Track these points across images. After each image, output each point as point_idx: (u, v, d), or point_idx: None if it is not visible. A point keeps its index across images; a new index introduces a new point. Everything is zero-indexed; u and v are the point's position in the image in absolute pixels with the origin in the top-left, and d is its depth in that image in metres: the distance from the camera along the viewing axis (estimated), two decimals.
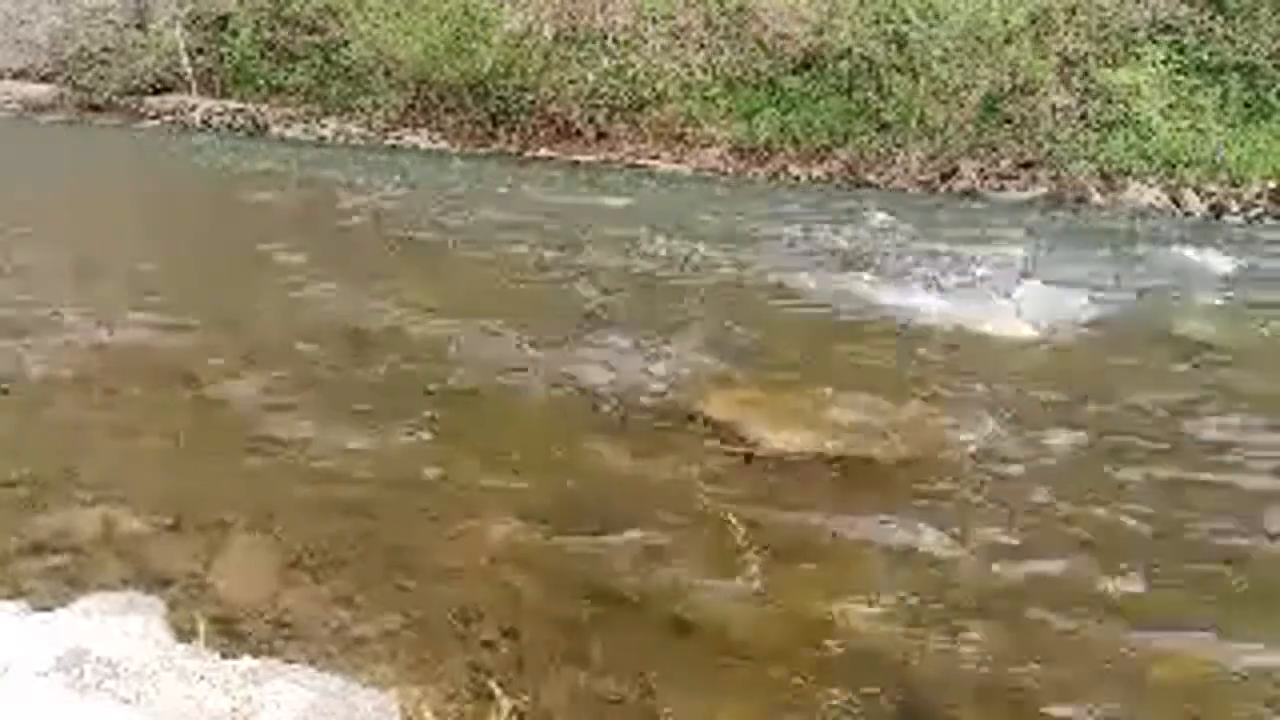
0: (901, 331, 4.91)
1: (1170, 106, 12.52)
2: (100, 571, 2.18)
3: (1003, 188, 12.70)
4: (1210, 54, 12.83)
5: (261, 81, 17.77)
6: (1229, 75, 12.65)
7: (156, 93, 18.09)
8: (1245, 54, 12.67)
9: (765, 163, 14.23)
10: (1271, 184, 11.72)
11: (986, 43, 13.31)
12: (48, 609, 1.92)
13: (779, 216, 9.16)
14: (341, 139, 16.25)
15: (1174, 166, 12.20)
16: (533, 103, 15.54)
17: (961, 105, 13.30)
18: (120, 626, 1.86)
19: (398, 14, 16.60)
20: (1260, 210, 11.41)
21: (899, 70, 13.67)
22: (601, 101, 15.21)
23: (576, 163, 14.43)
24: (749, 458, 3.09)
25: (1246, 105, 12.53)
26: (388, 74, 16.52)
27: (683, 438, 3.23)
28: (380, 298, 4.92)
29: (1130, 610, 2.29)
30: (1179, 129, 12.39)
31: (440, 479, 2.81)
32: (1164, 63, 12.77)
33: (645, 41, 15.26)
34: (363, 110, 16.70)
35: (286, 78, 17.62)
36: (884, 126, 13.75)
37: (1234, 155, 12.05)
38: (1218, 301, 6.08)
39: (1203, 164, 12.10)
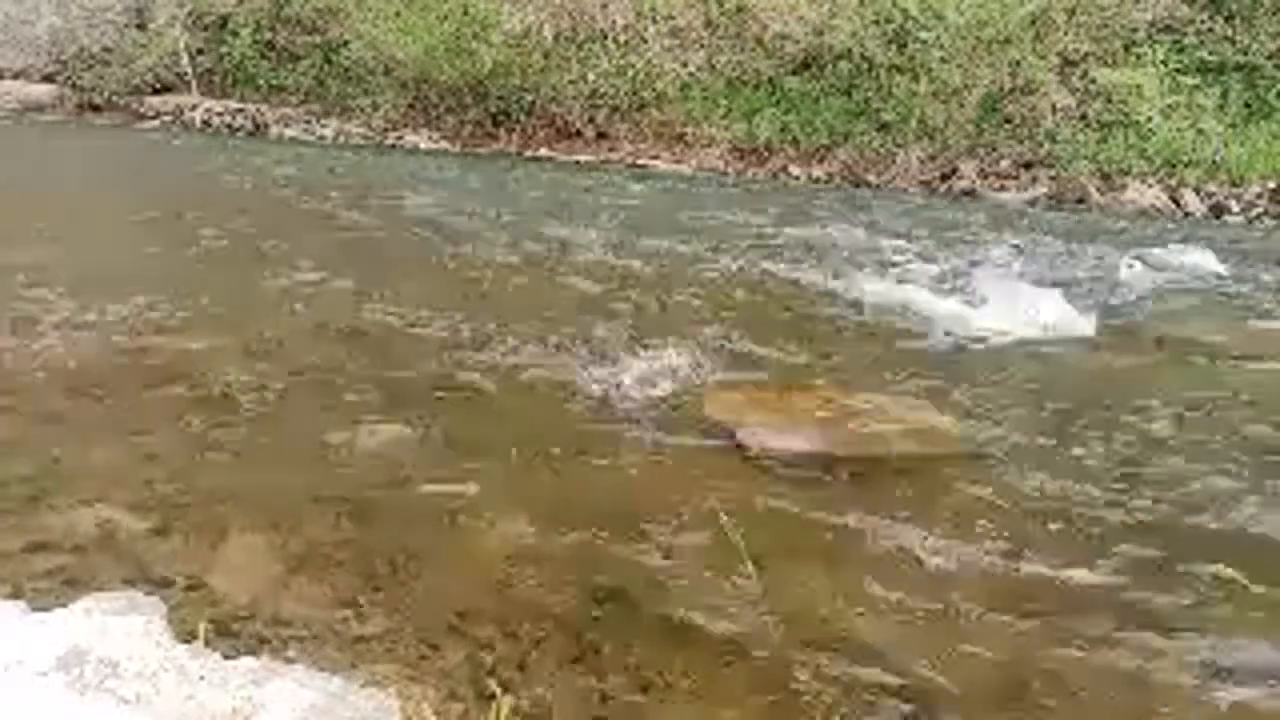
0: (902, 332, 4.91)
1: (1170, 106, 12.52)
2: (100, 571, 2.18)
3: (1003, 188, 12.69)
4: (1210, 54, 12.82)
5: (261, 81, 17.75)
6: (1229, 75, 12.65)
7: (156, 93, 18.06)
8: (1245, 54, 12.66)
9: (765, 163, 14.22)
10: (1271, 184, 11.72)
11: (986, 43, 13.30)
12: (48, 609, 1.92)
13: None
14: (342, 139, 16.24)
15: (1174, 166, 12.19)
16: (533, 103, 15.52)
17: (961, 105, 13.29)
18: (121, 626, 1.86)
19: (398, 14, 16.59)
20: (1260, 210, 11.41)
21: (899, 70, 13.66)
22: (601, 101, 15.20)
23: (577, 163, 14.43)
24: (750, 458, 3.09)
25: (1246, 105, 12.52)
26: (388, 74, 16.50)
27: (683, 437, 3.23)
28: (381, 297, 4.92)
29: (1133, 610, 2.29)
30: (1179, 129, 12.38)
31: (440, 479, 2.82)
32: (1164, 63, 12.77)
33: (645, 41, 15.25)
34: (363, 110, 16.68)
35: (286, 78, 17.60)
36: (884, 126, 13.74)
37: (1234, 155, 12.04)
38: (1218, 302, 6.08)
39: (1203, 164, 12.09)
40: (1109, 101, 12.78)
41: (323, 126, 16.73)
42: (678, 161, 14.52)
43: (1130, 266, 7.04)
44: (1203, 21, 12.97)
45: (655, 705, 1.86)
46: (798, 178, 13.72)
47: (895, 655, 2.05)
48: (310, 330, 4.39)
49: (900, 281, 5.94)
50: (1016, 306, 5.29)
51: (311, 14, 17.35)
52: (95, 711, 1.60)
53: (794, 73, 14.66)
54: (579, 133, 15.31)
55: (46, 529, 2.36)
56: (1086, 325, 5.14)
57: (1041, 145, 12.92)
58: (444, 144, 15.89)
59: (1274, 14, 12.66)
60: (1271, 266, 7.54)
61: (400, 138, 16.19)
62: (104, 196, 9.15)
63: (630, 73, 15.08)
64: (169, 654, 1.79)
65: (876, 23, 14.00)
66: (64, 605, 1.94)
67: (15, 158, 12.45)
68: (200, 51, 18.03)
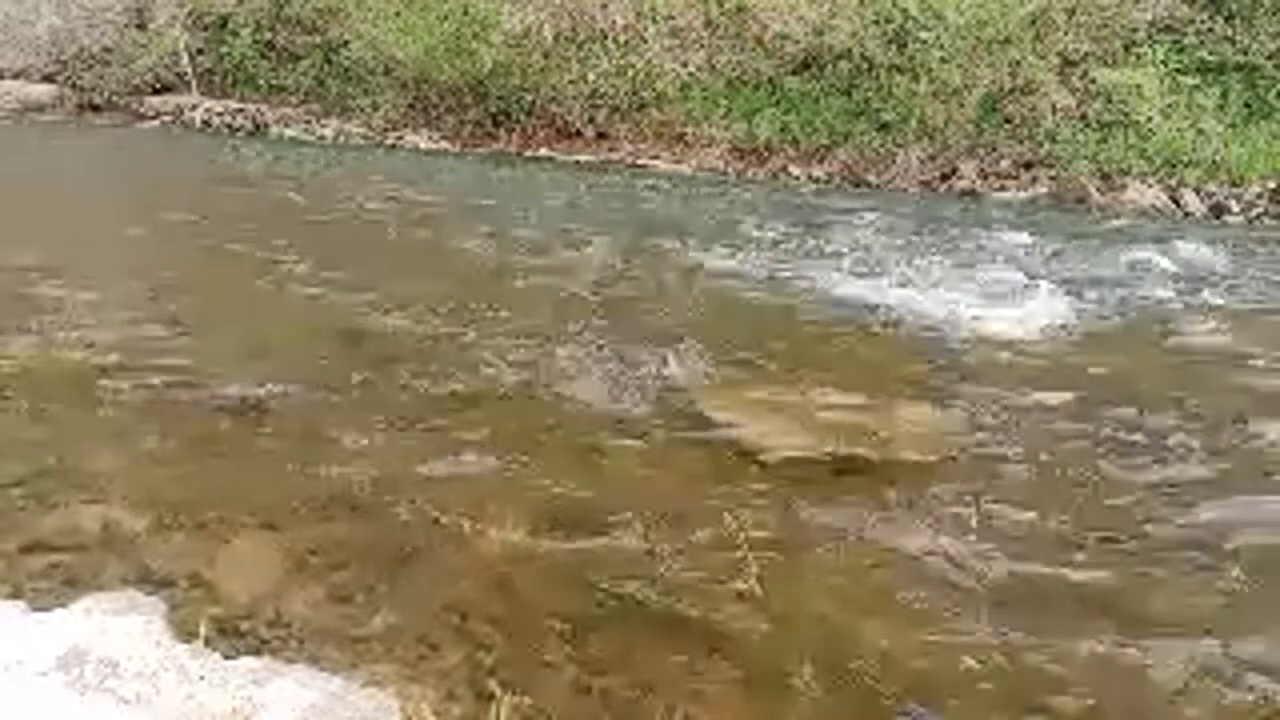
0: (902, 332, 4.91)
1: (1170, 106, 12.52)
2: (100, 571, 2.18)
3: (1003, 188, 12.69)
4: (1210, 54, 12.82)
5: (261, 81, 17.77)
6: (1229, 75, 12.65)
7: (156, 93, 18.07)
8: (1245, 54, 12.67)
9: (765, 163, 14.23)
10: (1271, 184, 11.72)
11: (986, 43, 13.30)
12: (48, 609, 1.93)
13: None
14: (342, 139, 16.25)
15: (1174, 166, 12.19)
16: (533, 103, 15.53)
17: (961, 105, 13.29)
18: (121, 626, 1.86)
19: (398, 14, 16.60)
20: (1260, 210, 11.41)
21: (899, 70, 13.66)
22: (601, 101, 15.21)
23: (577, 163, 14.43)
24: (749, 458, 3.09)
25: (1246, 105, 12.52)
26: (388, 74, 16.51)
27: (682, 437, 3.23)
28: (381, 297, 4.92)
29: (1131, 610, 2.29)
30: (1179, 129, 12.38)
31: (440, 479, 2.82)
32: (1164, 63, 12.77)
33: (645, 41, 15.25)
34: (363, 110, 16.69)
35: (286, 78, 17.61)
36: (884, 126, 13.74)
37: (1234, 155, 12.04)
38: (1218, 301, 6.08)
39: (1203, 164, 12.09)
40: (1109, 101, 12.78)
41: (323, 126, 16.73)
42: (678, 161, 14.52)
43: (1130, 266, 7.05)
44: (1203, 21, 12.97)
45: (655, 705, 1.86)
46: (798, 178, 13.72)
47: (895, 655, 2.05)
48: (311, 330, 4.39)
49: (900, 282, 5.94)
50: (1016, 306, 5.30)
51: (311, 14, 17.36)
52: (95, 711, 1.60)
53: (794, 73, 14.66)
54: (579, 133, 15.32)
55: (46, 529, 2.36)
56: (1086, 325, 5.15)
57: (1041, 145, 12.92)
58: (444, 144, 15.89)
59: (1274, 14, 12.66)
60: (1271, 265, 7.55)
61: (400, 138, 16.19)
62: (104, 197, 9.15)
63: (630, 73, 15.08)
64: (169, 654, 1.79)
65: (876, 23, 14.00)
66: (64, 605, 1.94)
67: (15, 157, 12.45)
68: (200, 51, 18.05)
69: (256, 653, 1.88)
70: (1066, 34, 13.26)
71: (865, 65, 14.00)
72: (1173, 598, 2.37)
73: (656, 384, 3.76)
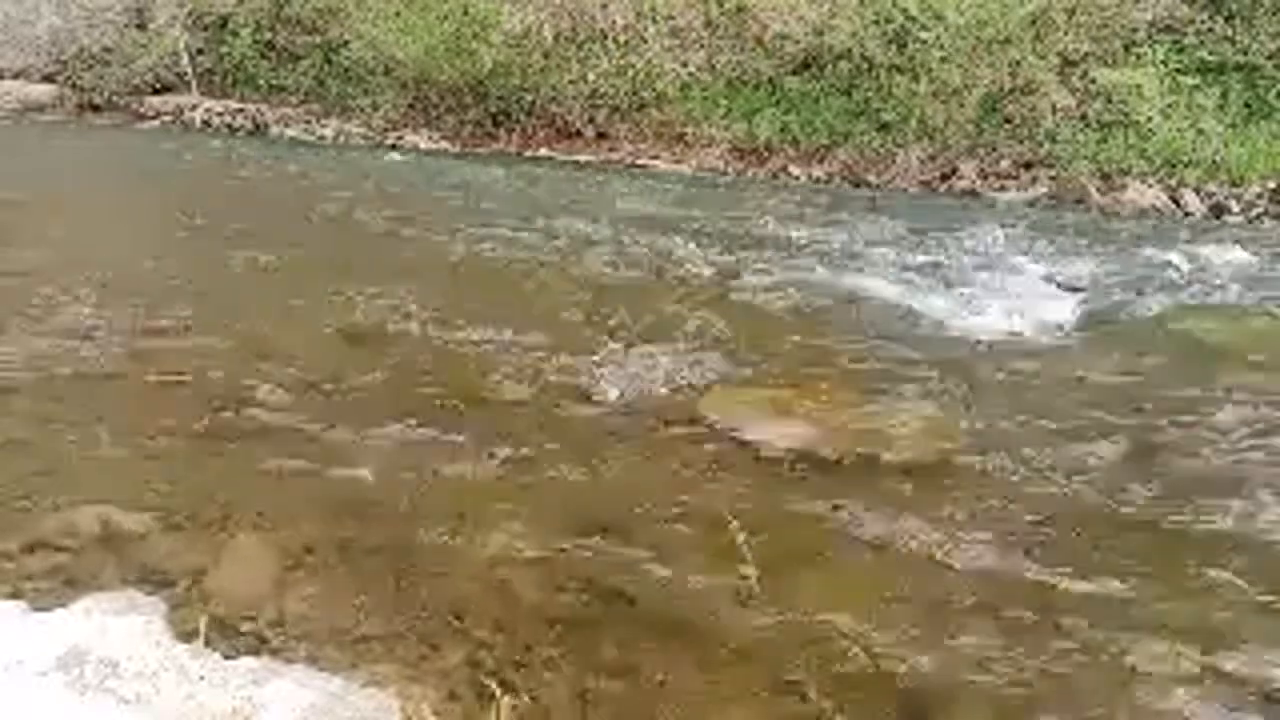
0: (902, 331, 4.91)
1: (1170, 106, 12.51)
2: (100, 571, 2.18)
3: (1003, 188, 12.68)
4: (1210, 54, 12.81)
5: (261, 81, 17.75)
6: (1229, 75, 12.64)
7: (156, 93, 18.05)
8: (1245, 54, 12.66)
9: (765, 163, 14.22)
10: (1271, 184, 11.71)
11: (986, 43, 13.29)
12: (48, 609, 1.93)
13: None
14: (342, 139, 16.25)
15: (1174, 166, 12.18)
16: (533, 103, 15.52)
17: (961, 105, 13.28)
18: (121, 626, 1.86)
19: (398, 14, 16.59)
20: (1260, 210, 11.40)
21: (899, 70, 13.65)
22: (601, 101, 15.20)
23: (577, 163, 14.44)
24: (749, 458, 3.09)
25: (1246, 105, 12.51)
26: (388, 74, 16.50)
27: (682, 437, 3.23)
28: (381, 298, 4.92)
29: (1129, 611, 2.29)
30: (1179, 129, 12.37)
31: (440, 479, 2.82)
32: (1164, 63, 12.76)
33: (645, 41, 15.24)
34: (363, 110, 16.68)
35: (286, 78, 17.60)
36: (884, 126, 13.73)
37: (1234, 155, 12.03)
38: (1219, 301, 6.07)
39: (1203, 164, 12.09)
40: (1109, 101, 12.77)
41: (323, 126, 16.72)
42: (678, 161, 14.52)
43: (1130, 265, 7.04)
44: (1203, 21, 12.96)
45: (655, 705, 1.86)
46: (798, 178, 13.71)
47: (895, 655, 2.05)
48: (310, 330, 4.39)
49: (900, 281, 5.94)
50: (1017, 306, 5.30)
51: (311, 14, 17.34)
52: (95, 711, 1.60)
53: (794, 73, 14.65)
54: (579, 133, 15.31)
55: (46, 529, 2.36)
56: (1087, 324, 5.15)
57: (1041, 145, 12.91)
58: (444, 144, 15.88)
59: (1274, 14, 12.66)
60: (1271, 265, 7.54)
61: (400, 138, 16.18)
62: (105, 197, 9.15)
63: (630, 73, 15.08)
64: (169, 654, 1.79)
65: (876, 23, 13.99)
66: (64, 605, 1.94)
67: (16, 157, 12.45)
68: (200, 51, 18.03)
69: (256, 653, 1.88)
70: (1066, 34, 13.25)
71: (865, 65, 13.99)
72: (1174, 598, 2.36)
73: (657, 384, 3.76)
